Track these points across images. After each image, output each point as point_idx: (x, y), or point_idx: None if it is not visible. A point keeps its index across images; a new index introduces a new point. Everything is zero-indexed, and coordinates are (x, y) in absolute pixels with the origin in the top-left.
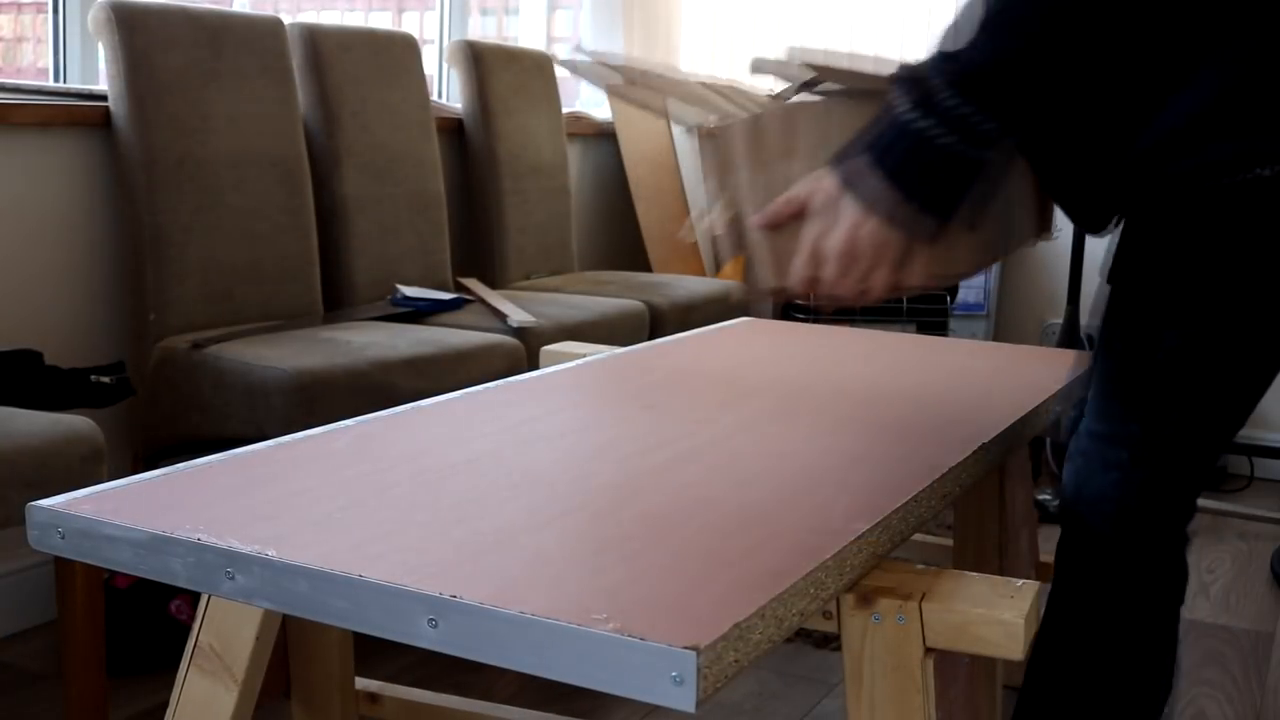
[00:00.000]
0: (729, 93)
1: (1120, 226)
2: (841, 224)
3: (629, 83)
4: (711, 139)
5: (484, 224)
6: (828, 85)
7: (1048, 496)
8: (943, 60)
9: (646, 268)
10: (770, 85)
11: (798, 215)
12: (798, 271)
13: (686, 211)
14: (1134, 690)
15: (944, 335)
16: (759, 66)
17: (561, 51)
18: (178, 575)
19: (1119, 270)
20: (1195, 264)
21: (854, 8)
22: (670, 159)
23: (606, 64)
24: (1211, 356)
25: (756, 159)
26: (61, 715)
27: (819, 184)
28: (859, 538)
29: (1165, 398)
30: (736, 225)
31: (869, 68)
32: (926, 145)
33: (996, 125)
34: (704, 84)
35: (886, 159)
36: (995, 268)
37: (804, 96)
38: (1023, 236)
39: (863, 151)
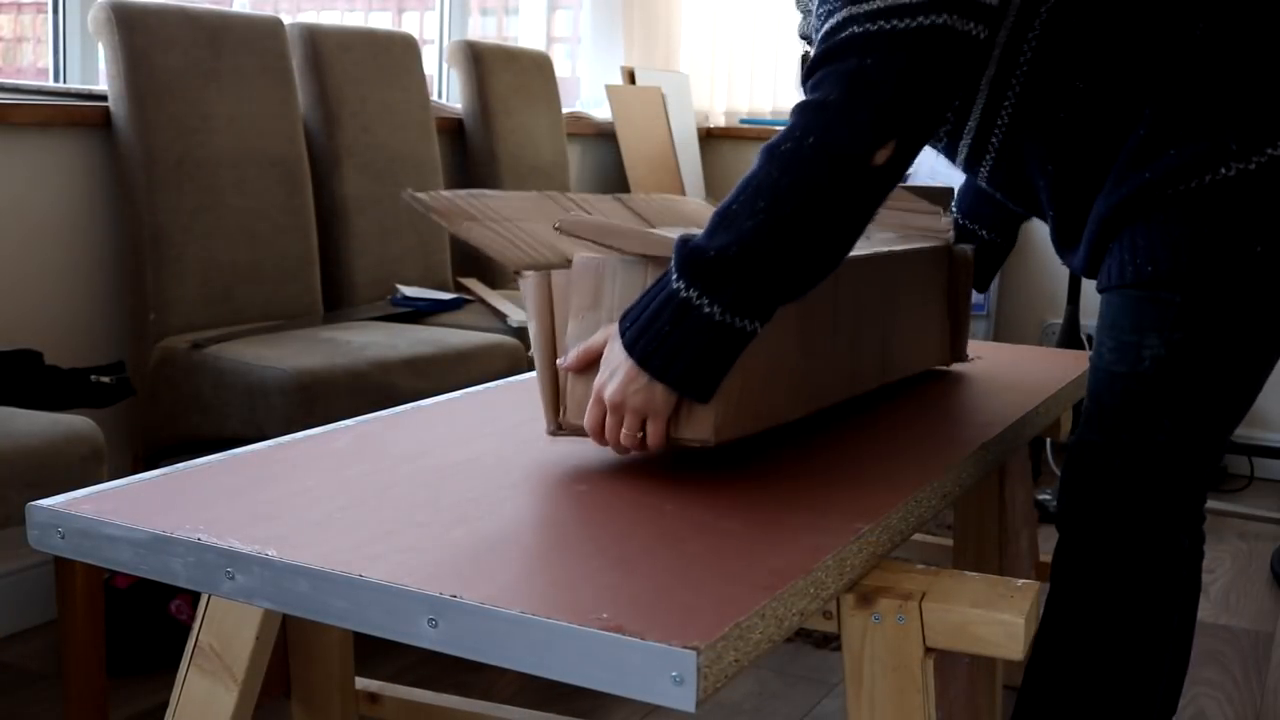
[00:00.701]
0: (593, 232)
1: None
2: (616, 378)
3: (473, 219)
4: (528, 283)
5: None
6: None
7: (1048, 496)
8: (680, 243)
9: None
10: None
11: (594, 363)
12: (587, 414)
13: None
14: (1130, 698)
15: None
16: (563, 226)
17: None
18: (178, 575)
19: (1104, 278)
20: (1169, 267)
21: None
22: (670, 159)
23: (460, 200)
24: (1196, 360)
25: (573, 305)
26: (61, 715)
27: (609, 335)
28: (859, 538)
29: (1155, 405)
30: (551, 364)
31: (651, 239)
32: (687, 316)
33: (720, 309)
34: (562, 228)
35: (652, 325)
36: None
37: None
38: (926, 363)
39: (638, 313)
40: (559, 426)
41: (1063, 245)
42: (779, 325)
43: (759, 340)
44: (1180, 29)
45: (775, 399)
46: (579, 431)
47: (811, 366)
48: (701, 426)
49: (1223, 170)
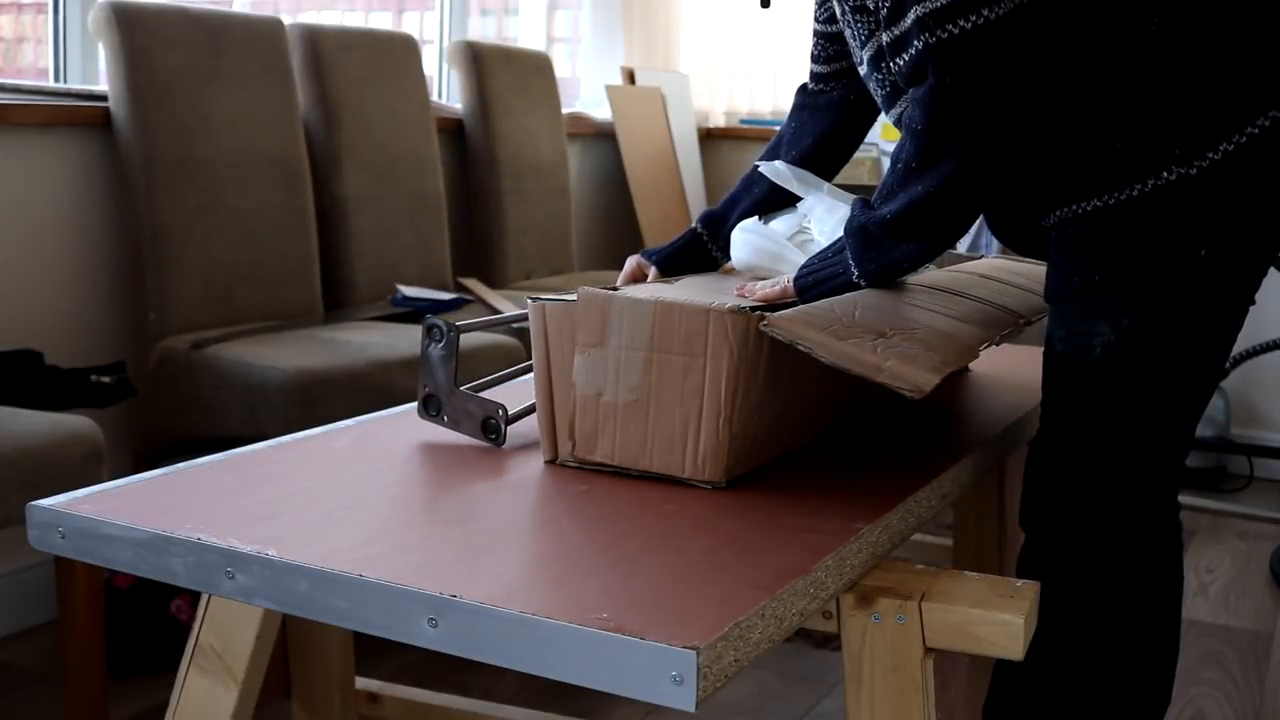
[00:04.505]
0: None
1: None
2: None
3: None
4: (531, 311)
5: (484, 224)
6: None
7: None
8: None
9: None
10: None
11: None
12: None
13: (686, 212)
14: (1095, 697)
15: None
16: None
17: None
18: (178, 575)
19: (1052, 289)
20: (1116, 276)
21: None
22: (670, 159)
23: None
24: (1146, 345)
25: (579, 340)
26: (61, 715)
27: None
28: (859, 538)
29: (1108, 394)
30: (548, 393)
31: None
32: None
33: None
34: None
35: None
36: None
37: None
38: None
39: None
40: (555, 455)
41: (1000, 230)
42: (802, 367)
43: (778, 381)
44: (1136, 23)
45: (787, 432)
46: (584, 463)
47: (824, 391)
48: (714, 470)
49: (1165, 175)
